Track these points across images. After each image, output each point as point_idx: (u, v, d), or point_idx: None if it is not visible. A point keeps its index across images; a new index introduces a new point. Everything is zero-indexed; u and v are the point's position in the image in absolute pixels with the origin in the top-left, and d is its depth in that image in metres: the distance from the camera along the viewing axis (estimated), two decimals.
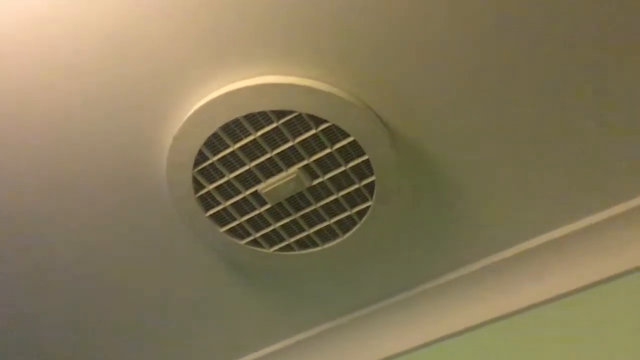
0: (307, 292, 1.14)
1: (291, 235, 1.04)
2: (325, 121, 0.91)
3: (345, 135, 0.92)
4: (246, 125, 0.91)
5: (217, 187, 0.97)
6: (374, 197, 0.98)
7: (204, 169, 0.95)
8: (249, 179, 0.97)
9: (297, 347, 1.20)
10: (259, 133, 0.92)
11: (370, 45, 0.86)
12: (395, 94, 0.90)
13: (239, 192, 0.97)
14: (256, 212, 1.00)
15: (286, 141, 0.93)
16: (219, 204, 0.99)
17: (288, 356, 1.20)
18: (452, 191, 1.00)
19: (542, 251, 1.05)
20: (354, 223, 1.01)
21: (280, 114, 0.91)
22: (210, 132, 0.91)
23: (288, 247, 1.05)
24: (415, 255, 1.08)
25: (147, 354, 1.25)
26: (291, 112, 0.90)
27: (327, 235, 1.04)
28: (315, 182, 0.97)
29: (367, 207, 0.99)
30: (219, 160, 0.94)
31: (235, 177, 0.96)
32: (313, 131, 0.92)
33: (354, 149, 0.94)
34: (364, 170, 0.96)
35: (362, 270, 1.11)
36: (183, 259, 1.09)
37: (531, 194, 1.01)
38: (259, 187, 0.98)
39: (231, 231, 1.01)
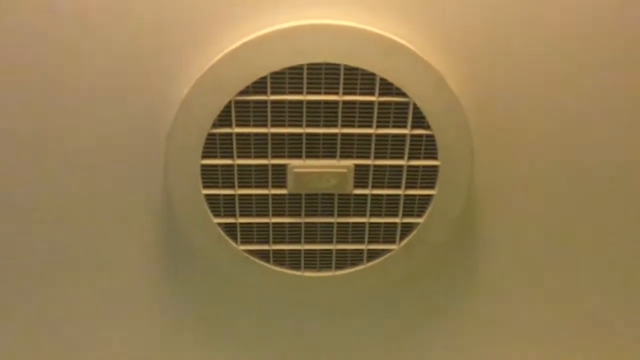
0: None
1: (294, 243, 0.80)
2: (404, 95, 0.70)
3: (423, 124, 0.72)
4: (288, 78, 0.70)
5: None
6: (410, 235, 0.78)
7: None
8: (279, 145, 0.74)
9: None
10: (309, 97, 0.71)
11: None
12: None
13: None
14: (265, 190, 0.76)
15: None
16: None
17: None
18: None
19: None
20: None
21: (350, 72, 0.69)
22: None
23: (290, 258, 0.80)
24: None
25: None
26: (358, 70, 0.68)
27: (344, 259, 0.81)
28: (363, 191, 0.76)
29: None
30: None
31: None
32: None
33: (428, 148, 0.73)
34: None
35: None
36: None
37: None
38: (290, 162, 0.75)
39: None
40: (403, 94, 0.71)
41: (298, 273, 0.82)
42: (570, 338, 0.94)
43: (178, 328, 0.91)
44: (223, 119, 0.72)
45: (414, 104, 0.71)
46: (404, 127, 0.73)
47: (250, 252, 0.80)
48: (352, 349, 0.93)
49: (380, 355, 0.94)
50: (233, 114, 0.71)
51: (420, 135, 0.73)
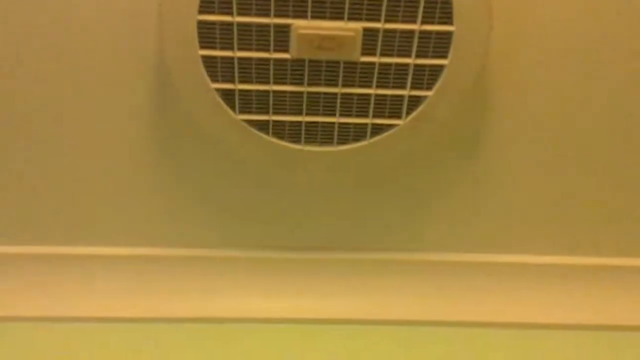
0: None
1: (296, 114, 0.75)
2: None
3: None
4: None
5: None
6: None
7: None
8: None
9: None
10: None
11: None
12: None
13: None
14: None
15: None
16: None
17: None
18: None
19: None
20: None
21: None
22: None
23: (293, 131, 0.76)
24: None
25: None
26: None
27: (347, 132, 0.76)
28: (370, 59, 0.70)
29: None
30: None
31: None
32: None
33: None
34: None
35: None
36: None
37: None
38: (294, 22, 0.70)
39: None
40: None
41: (298, 147, 0.78)
42: (575, 221, 0.92)
43: (170, 199, 0.88)
44: None
45: None
46: None
47: (249, 122, 0.76)
48: (351, 226, 0.92)
49: (380, 233, 0.93)
50: None
51: None
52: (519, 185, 0.88)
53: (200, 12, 0.68)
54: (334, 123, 0.77)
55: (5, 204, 0.88)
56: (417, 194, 0.89)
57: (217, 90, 0.74)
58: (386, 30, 0.70)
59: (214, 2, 0.68)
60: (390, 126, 0.77)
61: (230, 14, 0.68)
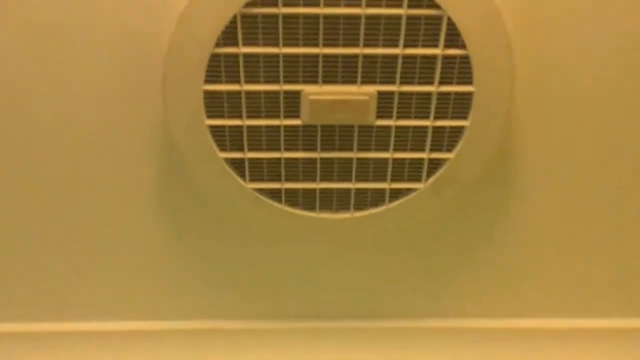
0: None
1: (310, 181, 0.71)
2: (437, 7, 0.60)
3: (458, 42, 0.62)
4: None
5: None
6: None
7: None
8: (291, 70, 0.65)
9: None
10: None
11: None
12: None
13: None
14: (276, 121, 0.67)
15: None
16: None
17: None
18: None
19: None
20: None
21: None
22: None
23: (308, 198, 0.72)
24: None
25: None
26: None
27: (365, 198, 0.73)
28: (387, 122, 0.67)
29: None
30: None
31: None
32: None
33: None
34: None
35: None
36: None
37: None
38: (305, 88, 0.67)
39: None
40: (435, 6, 0.61)
41: (313, 214, 0.74)
42: (603, 289, 0.87)
43: (181, 271, 0.84)
44: (228, 36, 0.63)
45: (448, 18, 0.61)
46: (436, 46, 0.63)
47: (260, 190, 0.72)
48: (369, 293, 0.87)
49: (401, 301, 0.87)
50: (239, 30, 0.62)
51: (454, 56, 0.64)
52: (544, 249, 0.83)
53: (207, 81, 0.65)
54: (350, 189, 0.73)
55: (12, 280, 0.84)
56: (438, 258, 0.84)
57: (226, 159, 0.70)
58: (402, 93, 0.66)
59: (220, 71, 0.65)
60: (410, 190, 0.73)
61: (238, 82, 0.65)
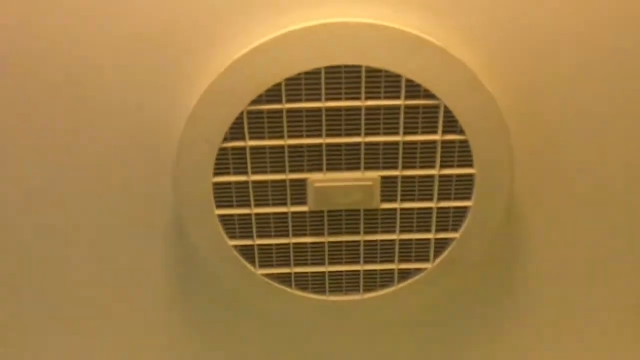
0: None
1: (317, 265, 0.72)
2: (433, 97, 0.63)
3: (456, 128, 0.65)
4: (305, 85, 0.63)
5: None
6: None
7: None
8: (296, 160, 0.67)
9: None
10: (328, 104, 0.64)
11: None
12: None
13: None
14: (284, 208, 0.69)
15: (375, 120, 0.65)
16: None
17: None
18: None
19: None
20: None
21: (373, 74, 0.62)
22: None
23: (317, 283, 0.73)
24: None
25: None
26: (381, 72, 0.62)
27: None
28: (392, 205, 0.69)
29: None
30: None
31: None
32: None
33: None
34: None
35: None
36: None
37: None
38: (310, 176, 0.69)
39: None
40: (432, 96, 0.64)
41: (323, 297, 0.75)
42: None
43: (193, 357, 0.84)
44: (235, 131, 0.66)
45: (445, 107, 0.64)
46: (435, 132, 0.66)
47: (270, 276, 0.73)
48: None
49: None
50: (246, 125, 0.65)
51: (453, 142, 0.66)
52: (556, 324, 0.83)
53: (216, 174, 0.68)
54: (359, 271, 0.74)
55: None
56: (450, 337, 0.83)
57: (236, 247, 0.72)
58: (405, 177, 0.68)
59: (228, 164, 0.67)
60: (419, 270, 0.73)
61: (246, 173, 0.68)
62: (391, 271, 0.74)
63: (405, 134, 0.66)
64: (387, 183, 0.69)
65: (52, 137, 0.70)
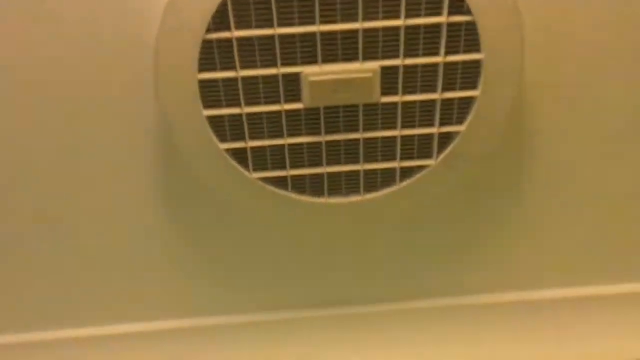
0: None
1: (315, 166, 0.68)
2: None
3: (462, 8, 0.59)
4: None
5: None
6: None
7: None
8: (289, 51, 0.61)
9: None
10: None
11: None
12: None
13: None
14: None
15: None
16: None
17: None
18: None
19: None
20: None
21: None
22: None
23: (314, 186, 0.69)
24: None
25: None
26: None
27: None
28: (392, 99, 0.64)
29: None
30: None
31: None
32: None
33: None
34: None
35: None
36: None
37: None
38: (304, 70, 0.63)
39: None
40: None
41: (322, 200, 0.71)
42: (624, 257, 0.85)
43: (188, 267, 0.82)
44: (219, 21, 0.59)
45: None
46: (439, 14, 0.60)
47: (265, 180, 0.69)
48: (384, 277, 0.84)
49: (417, 281, 0.85)
50: (231, 13, 0.59)
51: (459, 24, 0.60)
52: (560, 225, 0.81)
53: (201, 70, 0.62)
54: (359, 171, 0.70)
55: (21, 290, 0.82)
56: (453, 236, 0.82)
57: (228, 150, 0.67)
58: (407, 67, 0.63)
59: (214, 59, 0.61)
60: (421, 168, 0.70)
61: (234, 69, 0.62)
62: (393, 170, 0.70)
63: (407, 17, 0.60)
64: (388, 74, 0.63)
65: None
